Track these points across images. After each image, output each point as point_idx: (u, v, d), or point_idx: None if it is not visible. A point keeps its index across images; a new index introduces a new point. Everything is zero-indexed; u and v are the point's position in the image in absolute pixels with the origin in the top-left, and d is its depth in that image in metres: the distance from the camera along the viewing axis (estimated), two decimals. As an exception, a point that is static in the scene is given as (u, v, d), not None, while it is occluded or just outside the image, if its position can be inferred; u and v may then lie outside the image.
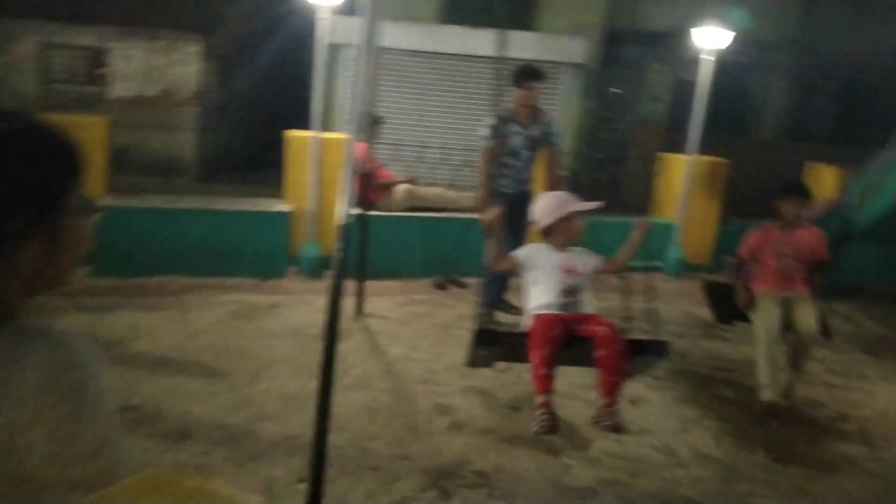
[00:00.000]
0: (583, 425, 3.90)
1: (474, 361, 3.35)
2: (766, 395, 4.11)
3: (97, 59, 11.25)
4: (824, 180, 7.93)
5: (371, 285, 5.99)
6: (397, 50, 10.07)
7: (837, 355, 5.40)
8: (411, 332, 5.20)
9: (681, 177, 7.68)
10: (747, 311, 4.44)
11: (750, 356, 5.10)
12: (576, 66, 10.64)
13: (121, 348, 4.49)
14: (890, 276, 7.52)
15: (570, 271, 3.22)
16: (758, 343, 4.25)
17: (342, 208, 2.90)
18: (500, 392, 4.25)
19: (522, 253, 3.36)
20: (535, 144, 5.14)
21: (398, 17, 10.46)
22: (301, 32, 9.35)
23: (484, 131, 5.01)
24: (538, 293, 3.23)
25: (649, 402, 4.30)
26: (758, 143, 12.95)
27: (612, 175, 11.79)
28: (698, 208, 7.78)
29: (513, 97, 5.03)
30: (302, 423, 3.46)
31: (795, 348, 4.25)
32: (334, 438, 3.47)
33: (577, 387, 4.40)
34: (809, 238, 4.45)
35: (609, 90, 12.88)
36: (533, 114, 5.08)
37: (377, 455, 3.42)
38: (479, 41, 4.79)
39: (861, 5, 12.41)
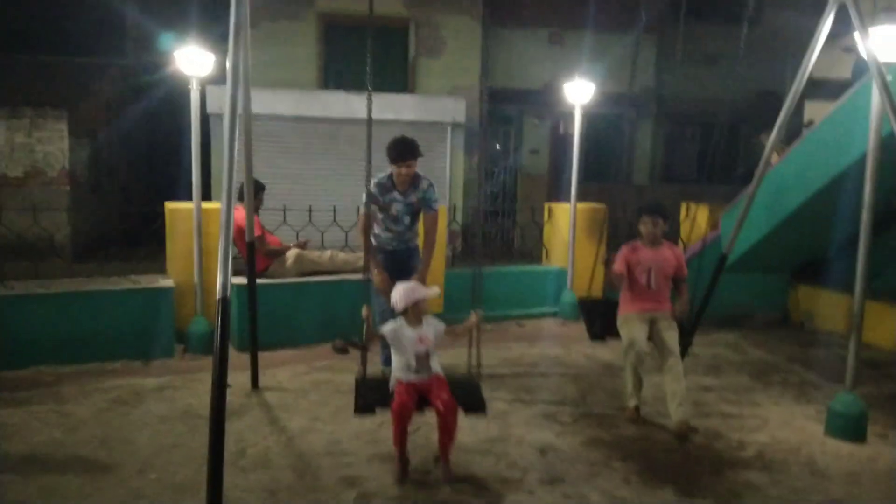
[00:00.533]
0: (495, 481, 3.83)
1: (360, 409, 3.89)
2: (631, 402, 4.79)
3: (-48, 140, 10.49)
4: (697, 218, 8.42)
5: (267, 356, 5.78)
6: (278, 116, 10.00)
7: (729, 384, 5.64)
8: (312, 402, 4.99)
9: (566, 224, 7.95)
10: (617, 287, 4.84)
11: (648, 392, 5.26)
12: (456, 125, 10.91)
13: (-14, 452, 4.04)
14: (767, 304, 8.02)
15: (421, 341, 3.92)
16: (624, 357, 4.75)
17: (221, 280, 2.77)
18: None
19: (387, 329, 3.99)
20: (414, 209, 5.27)
21: (277, 84, 10.44)
22: (175, 101, 9.12)
23: (364, 197, 4.97)
24: (398, 361, 3.98)
25: (557, 448, 4.30)
26: (632, 187, 13.68)
27: (501, 227, 12.06)
28: (584, 252, 8.04)
29: (393, 173, 5.11)
30: None
31: (664, 368, 4.65)
32: (233, 526, 3.25)
33: (486, 441, 4.35)
34: (671, 255, 4.85)
35: (491, 146, 13.30)
36: (411, 181, 5.17)
37: (282, 539, 3.20)
38: (360, 105, 4.79)
39: (708, 57, 13.57)
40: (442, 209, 7.60)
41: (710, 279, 5.75)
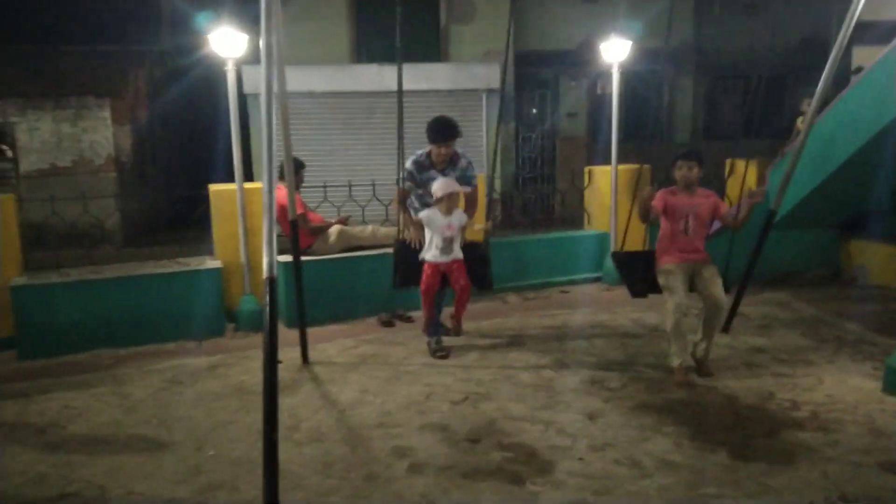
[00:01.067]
0: (544, 448, 3.85)
1: (396, 285, 5.23)
2: (674, 361, 4.75)
3: (1, 135, 10.81)
4: (742, 174, 8.21)
5: (315, 332, 5.88)
6: (314, 93, 10.04)
7: (781, 344, 5.54)
8: (361, 375, 5.07)
9: (607, 187, 7.83)
10: (644, 216, 4.75)
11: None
12: (490, 91, 10.81)
13: (54, 433, 4.21)
14: (817, 260, 7.81)
15: (449, 227, 5.00)
16: (667, 317, 4.71)
17: (267, 260, 2.81)
18: (458, 425, 4.16)
19: (423, 214, 5.07)
20: None
21: (310, 61, 10.46)
22: (213, 84, 9.21)
23: (403, 174, 5.17)
24: (429, 244, 5.08)
25: (606, 414, 4.29)
26: (674, 145, 13.38)
27: (541, 193, 11.95)
28: (627, 215, 7.93)
29: (432, 152, 5.22)
30: (255, 487, 3.29)
31: (706, 316, 4.74)
32: (290, 498, 3.35)
33: (534, 409, 4.37)
34: (706, 200, 4.84)
35: (527, 111, 13.14)
36: (449, 159, 5.27)
37: (338, 510, 3.28)
38: (394, 76, 4.80)
39: (748, 5, 13.08)
40: (481, 178, 7.57)
41: (757, 237, 5.62)
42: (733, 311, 5.80)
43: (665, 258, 4.83)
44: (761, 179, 8.01)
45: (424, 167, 5.26)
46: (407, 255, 5.15)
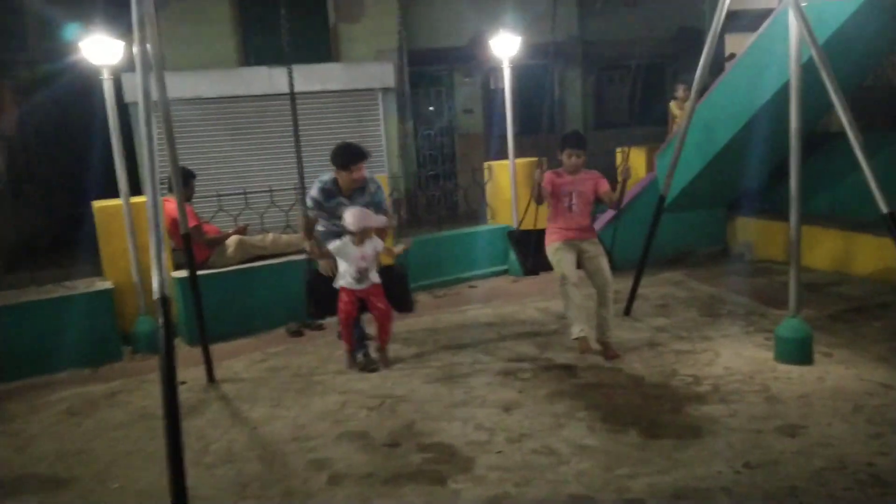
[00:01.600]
0: (463, 445, 3.85)
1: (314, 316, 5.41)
2: (573, 332, 4.94)
3: None
4: (633, 161, 8.53)
5: (220, 348, 5.66)
6: (201, 99, 9.66)
7: (680, 322, 5.79)
8: (271, 389, 4.92)
9: (507, 181, 7.95)
10: (537, 198, 5.00)
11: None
12: (386, 90, 10.74)
13: (-68, 482, 3.86)
14: (707, 239, 8.22)
15: (363, 258, 4.85)
16: (561, 290, 4.96)
17: (156, 279, 2.66)
18: (376, 431, 4.10)
19: (333, 245, 4.90)
20: None
21: (195, 66, 10.06)
22: (90, 93, 8.68)
23: (308, 202, 5.06)
24: (344, 273, 4.91)
25: (522, 405, 4.34)
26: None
27: (443, 189, 12.01)
28: (527, 201, 8.08)
29: (338, 176, 4.97)
30: None
31: (598, 294, 5.02)
32: (205, 526, 3.19)
33: (451, 407, 4.37)
34: (589, 179, 5.10)
35: (423, 109, 13.15)
36: (358, 186, 5.03)
37: (257, 532, 3.16)
38: (284, 79, 4.66)
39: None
40: (382, 178, 7.51)
41: (651, 221, 5.85)
42: (633, 293, 6.02)
43: (552, 237, 5.08)
44: (649, 165, 8.37)
45: (332, 194, 5.00)
46: (320, 284, 5.02)
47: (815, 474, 3.33)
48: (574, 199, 5.03)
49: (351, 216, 4.78)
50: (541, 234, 5.28)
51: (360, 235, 4.79)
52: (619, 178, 5.07)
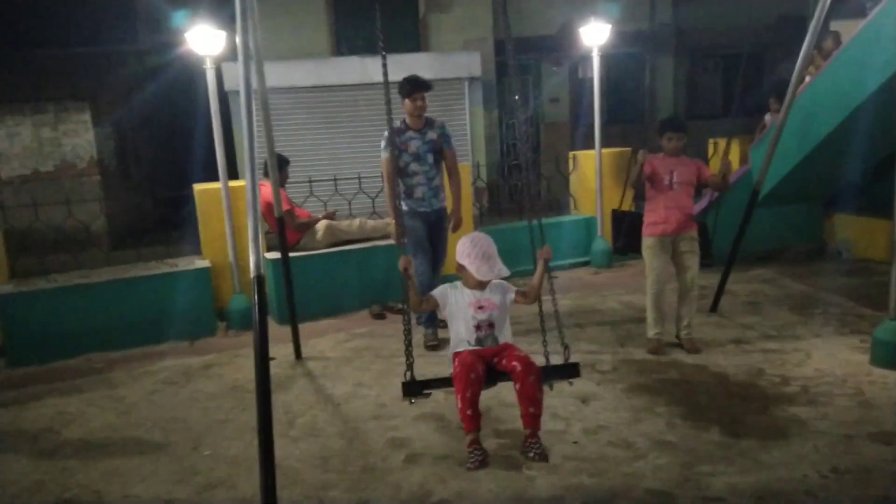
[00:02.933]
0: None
1: (409, 400, 3.35)
2: (648, 331, 5.01)
3: (-21, 142, 10.70)
4: (724, 153, 8.25)
5: (307, 327, 5.89)
6: (295, 88, 9.98)
7: (769, 320, 5.59)
8: (355, 369, 5.08)
9: (592, 171, 7.86)
10: (634, 179, 5.07)
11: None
12: (473, 79, 10.79)
13: (48, 439, 4.21)
14: (801, 235, 7.88)
15: (481, 307, 3.32)
16: (647, 289, 4.98)
17: (253, 258, 2.81)
18: (454, 414, 4.15)
19: (438, 292, 3.44)
20: (435, 148, 5.38)
21: (290, 56, 10.39)
22: (194, 82, 9.13)
23: (382, 144, 5.24)
24: (455, 331, 3.39)
25: (599, 397, 4.32)
26: (655, 127, 13.42)
27: (528, 179, 11.96)
28: (613, 198, 7.96)
29: (404, 110, 5.27)
30: (253, 485, 3.30)
31: (681, 291, 4.99)
32: (288, 494, 3.37)
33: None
34: (691, 163, 5.01)
35: (509, 98, 13.10)
36: (425, 121, 5.37)
37: (336, 504, 3.30)
38: (376, 68, 4.81)
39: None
40: (466, 167, 7.58)
41: (743, 215, 5.67)
42: (720, 289, 5.85)
43: (650, 229, 4.99)
44: (744, 158, 8.07)
45: (401, 131, 5.29)
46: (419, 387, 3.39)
47: (909, 484, 3.18)
48: (675, 177, 4.94)
49: (466, 242, 3.33)
50: (635, 216, 5.34)
51: (471, 279, 3.32)
52: (720, 172, 5.00)
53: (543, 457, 3.11)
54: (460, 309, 3.33)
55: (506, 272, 3.29)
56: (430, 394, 3.31)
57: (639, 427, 3.90)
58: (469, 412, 3.08)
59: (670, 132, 4.98)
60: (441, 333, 5.43)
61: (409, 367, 3.25)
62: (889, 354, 4.48)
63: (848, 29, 7.16)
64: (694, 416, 4.00)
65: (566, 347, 3.36)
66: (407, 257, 3.30)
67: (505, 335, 3.36)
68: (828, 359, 4.71)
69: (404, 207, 5.34)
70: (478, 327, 3.29)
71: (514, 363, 3.15)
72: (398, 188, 5.08)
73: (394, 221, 4.65)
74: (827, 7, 4.88)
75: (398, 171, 5.21)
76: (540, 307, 3.50)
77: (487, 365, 3.23)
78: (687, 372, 4.64)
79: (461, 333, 3.33)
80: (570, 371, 3.32)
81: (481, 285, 3.33)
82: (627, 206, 6.02)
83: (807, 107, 6.52)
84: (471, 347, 3.27)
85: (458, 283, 3.40)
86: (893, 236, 4.44)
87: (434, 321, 5.46)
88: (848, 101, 6.24)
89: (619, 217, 5.81)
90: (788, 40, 9.10)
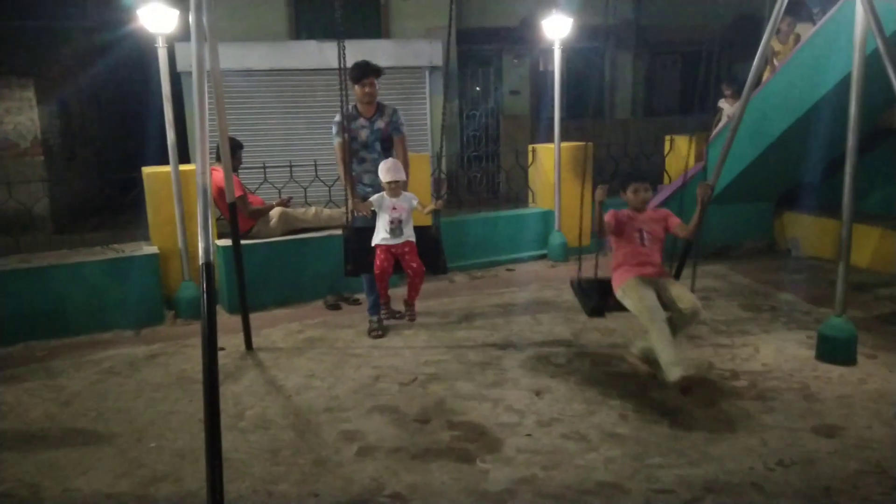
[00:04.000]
0: (493, 426, 3.87)
1: (352, 273, 5.14)
2: (675, 373, 3.85)
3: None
4: (681, 150, 8.37)
5: (259, 317, 5.77)
6: (251, 71, 9.77)
7: (720, 316, 5.68)
8: (308, 360, 5.00)
9: (551, 165, 7.87)
10: (601, 231, 4.40)
11: (639, 327, 5.28)
12: (434, 68, 10.71)
13: (-17, 431, 4.03)
14: (753, 233, 8.04)
15: (394, 209, 4.93)
16: (648, 326, 4.05)
17: (202, 245, 2.71)
18: (407, 406, 4.14)
19: (375, 197, 4.99)
20: (382, 136, 5.37)
21: (247, 38, 10.16)
22: (144, 61, 8.84)
23: (333, 129, 5.31)
24: (380, 224, 4.98)
25: (553, 390, 4.33)
26: (615, 122, 13.54)
27: (486, 171, 11.96)
28: (571, 193, 7.99)
29: (355, 95, 5.25)
30: (199, 477, 3.21)
31: (678, 324, 4.15)
32: (236, 488, 3.29)
33: (483, 387, 4.39)
34: (658, 218, 4.53)
35: (470, 88, 13.08)
36: (376, 108, 5.36)
37: (285, 498, 3.22)
38: (335, 53, 4.67)
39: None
40: (425, 157, 7.51)
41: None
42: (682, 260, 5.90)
43: (624, 276, 4.33)
44: (700, 155, 8.18)
45: (352, 117, 5.26)
46: (358, 242, 5.02)
47: (850, 477, 3.26)
48: (645, 234, 4.44)
49: (384, 168, 4.96)
50: (604, 282, 4.54)
51: (392, 187, 4.91)
52: (701, 201, 4.51)
53: (413, 317, 5.25)
54: (384, 209, 4.92)
55: (402, 177, 5.03)
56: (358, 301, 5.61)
57: (592, 419, 3.92)
58: (383, 293, 5.11)
59: (636, 183, 4.50)
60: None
61: (347, 238, 5.07)
62: (833, 350, 4.59)
63: (802, 32, 7.31)
64: (646, 409, 4.04)
65: (441, 251, 5.12)
66: (368, 203, 4.98)
67: (408, 231, 4.99)
68: (776, 354, 4.81)
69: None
70: (391, 222, 4.91)
71: (409, 271, 4.99)
72: (351, 168, 5.29)
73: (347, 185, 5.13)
74: (784, 8, 4.95)
75: (352, 159, 5.34)
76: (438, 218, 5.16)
77: (395, 258, 4.96)
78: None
79: (382, 226, 4.94)
80: (441, 271, 5.24)
81: (395, 193, 4.95)
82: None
83: (761, 106, 6.63)
84: (386, 237, 4.93)
85: (384, 193, 4.96)
86: (842, 235, 4.54)
87: (379, 309, 5.39)
88: (800, 102, 6.37)
89: (583, 286, 4.69)
90: (747, 39, 9.25)
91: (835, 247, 4.77)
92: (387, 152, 5.41)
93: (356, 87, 5.22)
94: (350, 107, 5.23)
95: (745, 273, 7.01)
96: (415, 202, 5.06)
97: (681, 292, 4.22)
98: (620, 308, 4.34)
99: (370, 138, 5.33)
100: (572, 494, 3.19)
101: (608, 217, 4.44)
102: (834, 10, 5.98)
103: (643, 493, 3.17)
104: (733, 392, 4.23)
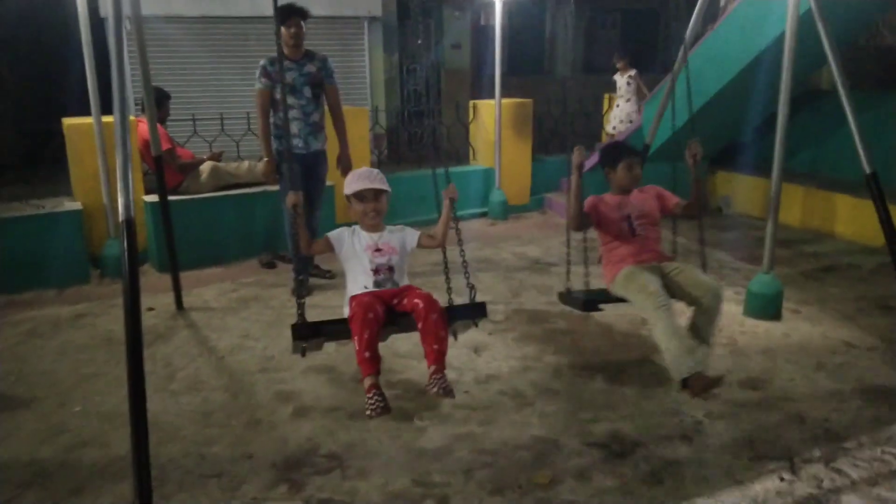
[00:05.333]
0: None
1: (301, 351, 3.14)
2: (684, 367, 3.27)
3: None
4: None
5: (191, 276, 5.60)
6: (180, 17, 9.30)
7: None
8: (241, 320, 4.88)
9: (492, 121, 7.81)
10: (575, 223, 3.75)
11: (576, 284, 5.35)
12: (373, 19, 10.43)
13: None
14: (686, 191, 8.17)
15: (379, 250, 3.15)
16: (649, 315, 3.51)
17: (122, 200, 2.57)
18: (345, 366, 4.10)
19: (333, 234, 3.21)
20: (314, 81, 5.14)
21: (176, -18, 9.64)
22: (67, 5, 8.29)
23: (256, 73, 5.09)
24: (351, 275, 3.19)
25: (491, 346, 4.36)
26: (555, 79, 13.51)
27: (427, 127, 11.80)
28: (511, 150, 7.97)
29: (282, 39, 4.94)
30: (126, 442, 3.05)
31: (699, 312, 3.58)
32: (167, 451, 3.20)
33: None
34: (650, 197, 3.97)
35: (411, 42, 12.80)
36: (305, 52, 5.14)
37: (218, 460, 3.16)
38: (267, 1, 4.37)
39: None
40: (364, 111, 7.34)
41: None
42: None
43: (617, 267, 3.78)
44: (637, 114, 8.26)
45: (278, 62, 4.85)
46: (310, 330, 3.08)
47: (773, 427, 3.39)
48: (634, 219, 3.80)
49: (355, 174, 3.20)
50: (600, 292, 3.95)
51: (375, 216, 3.15)
52: (691, 163, 4.01)
53: (448, 391, 2.91)
54: (357, 253, 3.15)
55: (386, 187, 3.16)
56: (322, 343, 3.11)
57: (527, 376, 3.96)
58: (367, 354, 2.85)
59: (628, 158, 3.82)
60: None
61: (301, 306, 3.01)
62: (760, 306, 4.75)
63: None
64: (580, 364, 4.10)
65: (472, 288, 3.22)
66: (297, 193, 3.04)
67: (405, 280, 3.22)
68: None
69: (275, 145, 5.20)
70: (376, 271, 3.11)
71: (416, 300, 2.98)
72: (271, 123, 5.09)
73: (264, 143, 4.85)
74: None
75: (272, 104, 5.10)
76: (444, 249, 3.39)
77: (387, 307, 3.03)
78: (574, 322, 4.74)
79: (358, 278, 3.13)
80: (477, 311, 3.21)
81: (377, 227, 3.18)
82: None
83: (697, 65, 6.68)
84: (368, 286, 3.09)
85: (357, 227, 3.22)
86: (771, 193, 4.65)
87: (308, 269, 5.07)
88: (733, 62, 6.46)
89: (567, 297, 4.05)
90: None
91: (764, 205, 4.89)
92: (317, 99, 5.20)
93: (282, 28, 4.94)
94: (276, 53, 4.93)
95: (677, 231, 7.13)
96: (413, 240, 3.29)
97: (692, 277, 3.60)
98: (619, 300, 3.79)
99: (298, 81, 5.08)
100: (507, 450, 3.22)
101: (587, 206, 3.76)
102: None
103: (576, 448, 3.23)
104: (665, 347, 4.33)
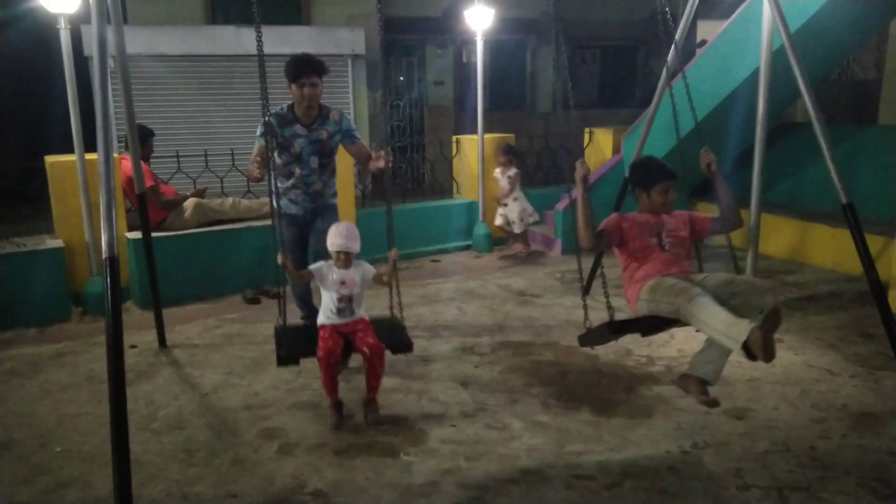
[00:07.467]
0: (418, 418, 3.84)
1: (282, 361, 3.72)
2: (742, 331, 3.00)
3: None
4: (600, 142, 8.54)
5: (174, 312, 5.56)
6: (164, 56, 9.36)
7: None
8: (225, 356, 4.84)
9: (474, 156, 7.90)
10: (586, 243, 3.59)
11: (561, 315, 5.39)
12: (357, 56, 10.55)
13: None
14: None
15: (343, 283, 3.82)
16: (688, 309, 3.23)
17: (106, 238, 2.57)
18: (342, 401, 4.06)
19: (314, 267, 3.91)
20: (323, 150, 4.42)
21: (160, 21, 9.74)
22: (50, 44, 8.34)
23: (258, 131, 4.24)
24: (324, 301, 3.89)
25: (478, 380, 4.34)
26: (537, 114, 13.70)
27: (410, 162, 11.91)
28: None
29: (293, 98, 4.31)
30: (108, 483, 3.01)
31: (742, 311, 3.20)
32: (149, 491, 3.15)
33: (408, 380, 4.35)
34: (679, 217, 3.84)
35: (394, 78, 12.95)
36: (318, 113, 4.37)
37: (201, 499, 3.10)
38: (252, 39, 4.27)
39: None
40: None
41: (614, 203, 5.87)
42: (593, 273, 6.04)
43: (641, 283, 3.60)
44: (616, 147, 8.38)
45: (286, 121, 4.29)
46: (290, 334, 3.88)
47: (759, 456, 3.40)
48: (665, 239, 3.63)
49: (335, 232, 3.78)
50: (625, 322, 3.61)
51: (345, 257, 3.77)
52: (709, 169, 3.91)
53: (377, 420, 3.79)
54: (329, 283, 3.83)
55: (355, 249, 3.81)
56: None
57: (514, 408, 3.95)
58: (330, 385, 3.79)
59: (666, 181, 3.64)
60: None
61: (280, 332, 3.84)
62: (744, 335, 4.77)
63: (714, 28, 7.56)
64: (567, 396, 4.10)
65: (404, 329, 3.99)
66: (284, 254, 3.76)
67: (360, 311, 3.89)
68: (689, 340, 4.95)
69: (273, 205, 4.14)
70: (340, 300, 3.80)
71: (365, 349, 3.74)
72: (270, 179, 3.88)
73: (255, 173, 4.12)
74: (695, 6, 5.10)
75: (274, 168, 4.02)
76: (391, 293, 4.07)
77: (346, 338, 3.80)
78: (560, 354, 4.75)
79: (327, 304, 3.84)
80: (406, 347, 3.87)
81: (346, 264, 3.81)
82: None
83: (676, 98, 6.81)
84: (332, 317, 3.81)
85: (331, 262, 3.86)
86: (750, 224, 4.72)
87: (308, 302, 4.79)
88: (710, 97, 6.59)
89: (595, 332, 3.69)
90: (660, 36, 9.53)
91: (744, 235, 4.95)
92: (323, 168, 4.47)
93: (293, 86, 4.22)
94: (285, 107, 4.35)
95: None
96: (370, 274, 3.89)
97: (724, 278, 3.44)
98: (648, 329, 3.60)
99: (306, 150, 4.35)
100: (495, 484, 3.20)
101: (609, 225, 3.62)
102: (744, 6, 6.22)
103: (564, 480, 3.21)
104: (650, 377, 4.35)
